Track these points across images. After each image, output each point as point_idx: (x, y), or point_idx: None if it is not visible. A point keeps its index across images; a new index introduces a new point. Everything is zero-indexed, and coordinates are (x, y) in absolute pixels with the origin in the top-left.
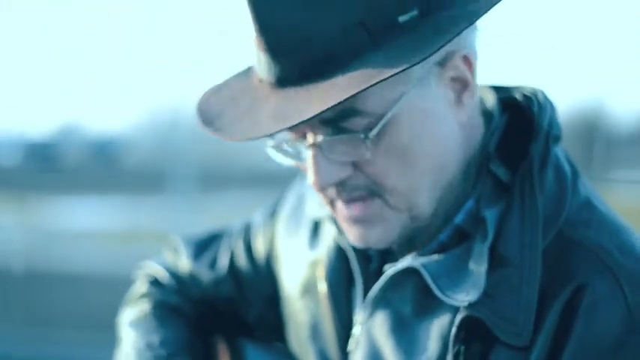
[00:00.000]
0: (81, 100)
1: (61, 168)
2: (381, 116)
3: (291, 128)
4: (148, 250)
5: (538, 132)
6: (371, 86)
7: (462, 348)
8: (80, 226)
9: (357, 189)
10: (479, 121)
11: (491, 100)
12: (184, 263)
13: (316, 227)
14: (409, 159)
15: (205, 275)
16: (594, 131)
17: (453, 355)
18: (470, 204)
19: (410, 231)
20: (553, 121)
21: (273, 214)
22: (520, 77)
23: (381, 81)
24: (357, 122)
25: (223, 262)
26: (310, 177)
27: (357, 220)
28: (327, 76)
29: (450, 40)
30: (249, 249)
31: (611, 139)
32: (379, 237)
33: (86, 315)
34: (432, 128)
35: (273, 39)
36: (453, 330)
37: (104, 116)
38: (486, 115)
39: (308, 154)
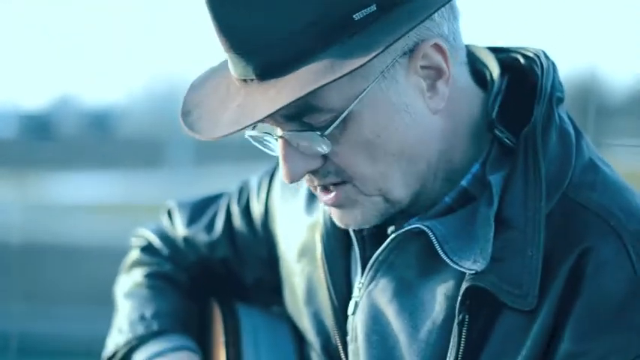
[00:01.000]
0: (76, 71)
1: (57, 139)
2: (341, 111)
3: (239, 130)
4: (145, 222)
5: (541, 94)
6: (310, 93)
7: (467, 316)
8: (77, 199)
9: (328, 175)
10: (472, 89)
11: (491, 63)
12: (179, 227)
13: None
14: (374, 151)
15: (201, 238)
16: (588, 99)
17: (458, 322)
18: (476, 167)
19: (393, 212)
20: (556, 83)
21: (270, 176)
22: (513, 43)
23: (326, 84)
24: (318, 118)
25: (219, 225)
26: (281, 169)
27: (334, 203)
28: (283, 74)
29: (403, 35)
30: (245, 211)
31: (604, 107)
32: (358, 220)
33: (84, 288)
34: (398, 121)
35: (232, 40)
36: (459, 299)
37: (100, 87)
38: (484, 78)
39: (278, 147)
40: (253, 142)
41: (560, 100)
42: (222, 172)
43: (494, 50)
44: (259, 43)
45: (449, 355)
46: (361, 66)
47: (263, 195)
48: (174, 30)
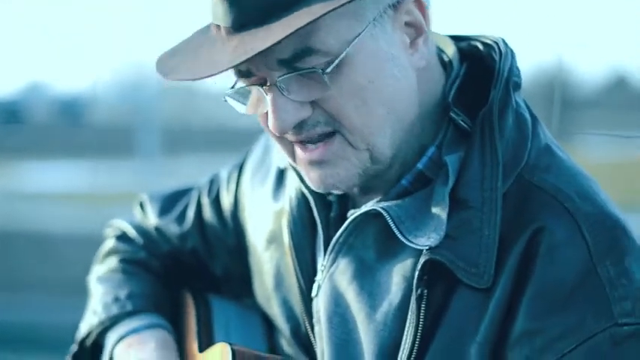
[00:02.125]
0: (46, 58)
1: (26, 127)
2: (337, 54)
3: (250, 70)
4: (117, 211)
5: (498, 78)
6: (321, 16)
7: (425, 291)
8: (46, 187)
9: (317, 125)
10: (438, 71)
11: (450, 50)
12: (151, 219)
13: (281, 177)
14: (367, 98)
15: (172, 229)
16: (557, 90)
17: (416, 298)
18: (431, 150)
19: (370, 174)
20: (513, 68)
21: (239, 167)
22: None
23: (329, 12)
24: (313, 61)
25: (189, 216)
26: (270, 120)
27: (317, 162)
28: (280, 16)
29: None
30: (215, 202)
31: (574, 98)
32: (340, 178)
33: (53, 276)
34: (387, 69)
35: None
36: (416, 274)
37: (70, 74)
38: (445, 64)
39: (267, 97)
40: (230, 101)
41: (518, 85)
42: (190, 161)
43: (454, 38)
44: None
45: (406, 331)
46: (352, 1)
47: (232, 186)
48: (143, 18)
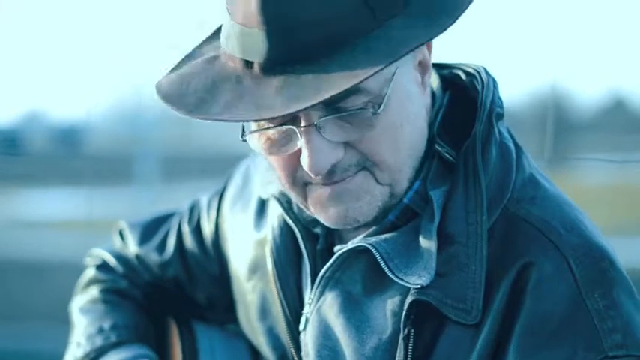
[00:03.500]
0: (45, 87)
1: (25, 155)
2: (380, 93)
3: (303, 109)
4: (107, 247)
5: (481, 110)
6: (386, 66)
7: (412, 330)
8: (45, 215)
9: (350, 168)
10: (427, 103)
11: (433, 78)
12: (131, 247)
13: (262, 207)
14: (398, 137)
15: (153, 258)
16: (555, 115)
17: (404, 337)
18: (417, 184)
19: (387, 209)
20: (495, 99)
21: (219, 195)
22: (481, 61)
23: (394, 61)
24: (356, 101)
25: (170, 244)
26: (306, 162)
27: (339, 196)
28: (331, 58)
29: (453, 23)
30: (196, 230)
31: (570, 123)
32: (362, 212)
33: (50, 305)
34: (412, 107)
35: (273, 17)
36: (403, 313)
37: (68, 102)
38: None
39: (301, 138)
40: (250, 142)
41: (500, 116)
42: (188, 189)
43: (435, 66)
44: (307, 20)
45: None
46: (419, 46)
47: (213, 214)
48: (142, 46)
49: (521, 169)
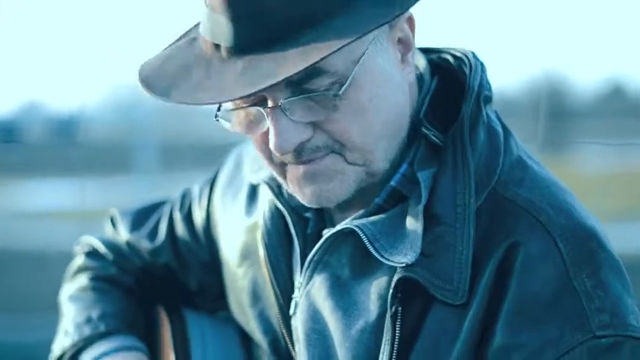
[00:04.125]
0: (43, 77)
1: (24, 146)
2: (345, 75)
3: (259, 91)
4: (97, 234)
5: (469, 93)
6: (343, 47)
7: (400, 309)
8: (44, 205)
9: (318, 150)
10: (414, 87)
11: (421, 63)
12: (122, 234)
13: (253, 193)
14: (368, 117)
15: (144, 245)
16: (552, 102)
17: (391, 315)
18: (404, 167)
19: (363, 187)
20: (484, 82)
21: (210, 183)
22: (478, 48)
23: (352, 42)
24: (321, 82)
25: (161, 231)
26: (272, 142)
27: (312, 176)
28: (293, 40)
29: (413, 4)
30: (187, 218)
31: (568, 110)
32: (335, 192)
33: (49, 296)
34: (386, 88)
35: (238, 1)
36: (390, 291)
37: (67, 93)
38: (417, 77)
39: (269, 118)
40: (222, 122)
41: (488, 99)
42: (187, 177)
43: (424, 51)
44: (271, 5)
45: (382, 350)
46: (380, 26)
47: (204, 202)
48: (139, 36)
49: (509, 151)
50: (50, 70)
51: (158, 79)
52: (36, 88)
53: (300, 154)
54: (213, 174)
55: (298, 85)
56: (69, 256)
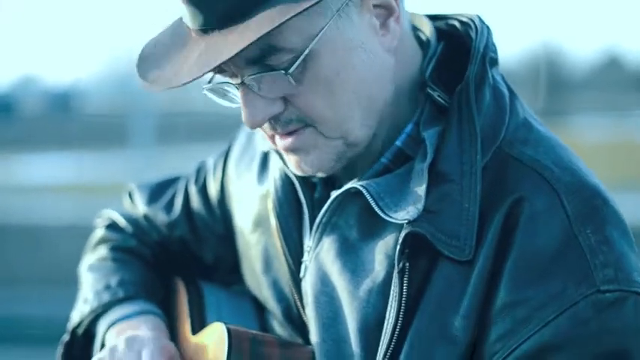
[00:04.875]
0: (38, 51)
1: (20, 120)
2: (302, 51)
3: (221, 67)
4: (110, 202)
5: (474, 54)
6: (280, 25)
7: (407, 264)
8: (40, 179)
9: (291, 122)
10: (414, 49)
11: (427, 29)
12: (140, 208)
13: (265, 160)
14: (335, 90)
15: (160, 218)
16: (549, 74)
17: (398, 271)
18: (409, 127)
19: (350, 157)
20: (489, 44)
21: (224, 155)
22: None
23: (290, 18)
24: (280, 59)
25: (178, 205)
26: (243, 116)
27: (291, 150)
28: (242, 19)
29: None
30: (202, 191)
31: (564, 82)
32: (314, 164)
33: (48, 269)
34: (356, 58)
35: None
36: (397, 247)
37: (62, 67)
38: (423, 43)
39: (239, 93)
40: (212, 96)
41: (494, 61)
42: (183, 152)
43: (431, 18)
44: None
45: (389, 306)
46: (317, 3)
47: (218, 174)
48: (135, 9)
49: (514, 112)
50: (46, 43)
51: (146, 60)
52: (31, 62)
53: (274, 126)
54: (227, 146)
55: (259, 61)
56: (64, 229)
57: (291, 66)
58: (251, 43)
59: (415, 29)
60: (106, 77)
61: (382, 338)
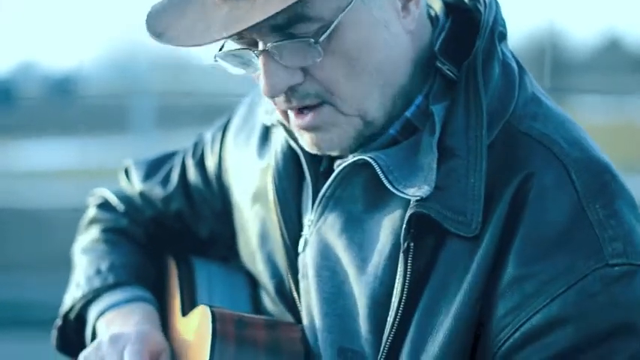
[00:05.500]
0: (37, 37)
1: (20, 106)
2: (330, 22)
3: (241, 34)
4: (112, 186)
5: (483, 28)
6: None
7: (412, 244)
8: (41, 165)
9: (308, 96)
10: (426, 25)
11: (437, 4)
12: (136, 183)
13: (266, 134)
14: (356, 66)
15: (157, 192)
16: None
17: (403, 251)
18: (419, 100)
19: (366, 135)
20: (498, 18)
21: (222, 128)
22: None
23: None
24: (306, 28)
25: (174, 179)
26: (262, 83)
27: (309, 128)
28: None
29: None
30: (199, 164)
31: (565, 63)
32: (333, 142)
33: (48, 254)
34: (379, 37)
35: None
36: (403, 227)
37: (61, 52)
38: (432, 18)
39: (259, 61)
40: (223, 63)
41: (503, 36)
42: (184, 134)
43: None
44: None
45: (396, 284)
46: None
47: (217, 148)
48: None
49: (523, 87)
50: (44, 28)
51: (158, 19)
52: (31, 47)
53: (290, 99)
54: (225, 119)
55: (284, 29)
56: (65, 215)
57: (318, 36)
58: (283, 10)
59: (425, 5)
60: (106, 61)
61: (389, 316)
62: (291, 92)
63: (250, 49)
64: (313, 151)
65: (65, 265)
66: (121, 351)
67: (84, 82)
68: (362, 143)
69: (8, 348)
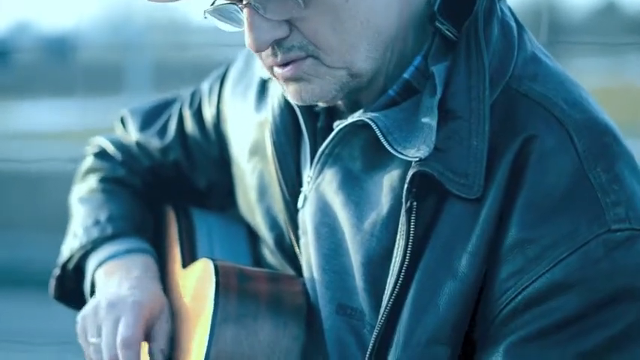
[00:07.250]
0: None
1: (15, 67)
2: None
3: None
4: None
5: None
6: None
7: (414, 203)
8: (36, 126)
9: (292, 49)
10: None
11: None
12: (133, 133)
13: (263, 88)
14: (342, 17)
15: (153, 143)
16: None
17: (406, 210)
18: (418, 60)
19: (352, 88)
20: None
21: (220, 79)
22: None
23: None
24: None
25: (171, 129)
26: (246, 38)
27: (291, 79)
28: None
29: None
30: (197, 114)
31: (561, 26)
32: (315, 92)
33: (44, 215)
34: None
35: None
36: (405, 186)
37: (57, 12)
38: None
39: (244, 15)
40: (213, 19)
41: None
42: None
43: None
44: None
45: (397, 243)
46: None
47: (214, 98)
48: None
49: (523, 46)
50: None
51: None
52: (27, 7)
53: (276, 52)
54: (223, 70)
55: None
56: (62, 176)
57: None
58: None
59: None
60: (102, 22)
61: (389, 276)
62: (277, 46)
63: (235, 3)
64: (296, 101)
65: (61, 226)
66: (117, 320)
67: (80, 43)
68: (350, 95)
69: (6, 306)
